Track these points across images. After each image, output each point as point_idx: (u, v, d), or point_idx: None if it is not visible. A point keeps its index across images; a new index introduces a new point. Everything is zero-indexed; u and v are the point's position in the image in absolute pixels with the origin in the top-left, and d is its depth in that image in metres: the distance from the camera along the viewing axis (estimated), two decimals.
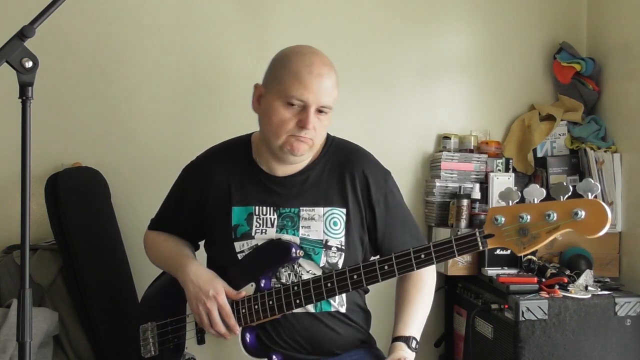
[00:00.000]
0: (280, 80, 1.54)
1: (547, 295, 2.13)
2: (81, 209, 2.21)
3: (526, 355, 2.07)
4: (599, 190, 1.29)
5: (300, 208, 1.60)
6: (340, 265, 1.59)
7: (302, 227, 1.59)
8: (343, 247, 1.60)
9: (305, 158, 1.62)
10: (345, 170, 1.64)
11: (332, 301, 1.58)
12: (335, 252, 1.59)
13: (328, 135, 1.71)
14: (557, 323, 2.09)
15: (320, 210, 1.60)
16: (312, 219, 1.59)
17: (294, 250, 1.55)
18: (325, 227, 1.59)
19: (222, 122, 2.54)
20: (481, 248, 1.38)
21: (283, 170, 1.63)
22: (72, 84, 2.48)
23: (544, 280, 2.25)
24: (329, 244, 1.59)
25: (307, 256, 1.58)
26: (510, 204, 1.36)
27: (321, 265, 1.58)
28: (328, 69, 1.55)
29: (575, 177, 2.66)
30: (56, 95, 2.44)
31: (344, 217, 1.61)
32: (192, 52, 2.58)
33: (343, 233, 1.60)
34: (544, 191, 1.34)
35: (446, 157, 2.61)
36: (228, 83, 2.58)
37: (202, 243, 1.80)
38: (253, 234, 1.60)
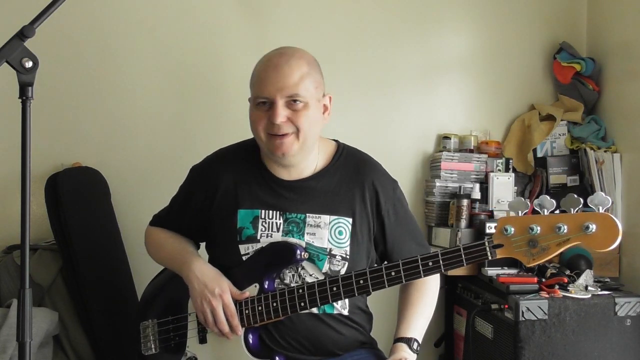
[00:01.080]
0: (252, 84, 1.58)
1: (547, 295, 2.13)
2: (81, 208, 2.21)
3: (526, 355, 2.06)
4: (610, 204, 1.29)
5: (307, 214, 1.59)
6: (342, 273, 1.57)
7: (307, 233, 1.58)
8: (347, 257, 1.59)
9: (300, 159, 1.60)
10: (355, 180, 1.63)
11: (334, 303, 1.58)
12: (339, 261, 1.58)
13: (338, 143, 1.71)
14: (557, 323, 2.09)
15: (326, 218, 1.59)
16: (318, 226, 1.59)
17: (298, 252, 1.55)
18: (331, 235, 1.59)
19: (221, 122, 2.54)
20: (490, 258, 1.38)
21: (290, 174, 1.63)
22: (72, 84, 2.48)
23: (544, 280, 2.25)
24: (333, 252, 1.58)
25: (311, 260, 1.58)
26: (520, 214, 1.36)
27: (323, 271, 1.58)
28: (287, 58, 1.53)
29: (575, 177, 2.66)
30: (56, 95, 2.44)
31: (350, 227, 1.60)
32: (192, 52, 2.58)
33: (348, 243, 1.60)
34: (554, 202, 1.34)
35: (446, 157, 2.61)
36: (228, 83, 2.58)
37: (203, 244, 1.79)
38: (259, 237, 1.59)
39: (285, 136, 1.53)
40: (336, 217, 1.60)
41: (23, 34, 1.15)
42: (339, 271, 1.57)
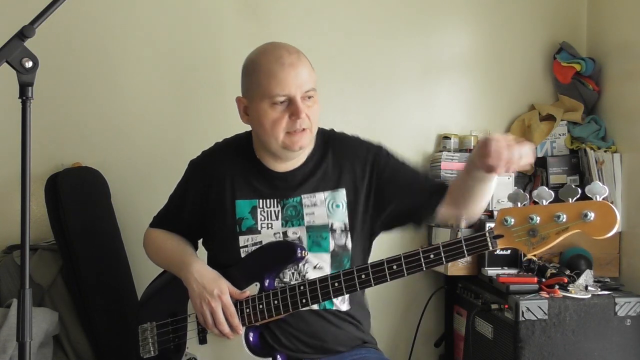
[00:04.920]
0: (258, 84, 1.55)
1: (547, 295, 2.13)
2: (81, 209, 2.21)
3: (526, 355, 2.06)
4: (607, 193, 1.31)
5: (302, 196, 1.61)
6: (349, 245, 1.60)
7: (307, 214, 1.60)
8: (347, 227, 1.61)
9: (305, 149, 1.63)
10: (341, 155, 1.66)
11: (333, 299, 1.58)
12: (341, 234, 1.60)
13: (319, 129, 1.71)
14: (557, 323, 2.09)
15: (320, 196, 1.61)
16: (315, 205, 1.61)
17: (299, 250, 1.55)
18: (328, 210, 1.61)
19: (221, 122, 2.52)
20: (491, 248, 1.39)
21: (284, 167, 1.64)
22: (72, 84, 2.48)
23: (544, 280, 2.25)
24: (334, 227, 1.60)
25: (315, 247, 1.59)
26: (519, 205, 1.38)
27: (331, 250, 1.59)
28: (297, 55, 1.56)
29: (575, 177, 2.66)
30: (56, 95, 2.44)
31: (345, 198, 1.62)
32: (191, 52, 2.58)
33: (346, 213, 1.61)
34: (553, 193, 1.35)
35: (446, 157, 2.61)
36: (227, 83, 2.57)
37: (200, 243, 1.80)
38: (259, 228, 1.61)
39: (304, 131, 1.55)
40: (329, 191, 1.62)
41: (23, 34, 1.15)
42: (345, 244, 1.59)
